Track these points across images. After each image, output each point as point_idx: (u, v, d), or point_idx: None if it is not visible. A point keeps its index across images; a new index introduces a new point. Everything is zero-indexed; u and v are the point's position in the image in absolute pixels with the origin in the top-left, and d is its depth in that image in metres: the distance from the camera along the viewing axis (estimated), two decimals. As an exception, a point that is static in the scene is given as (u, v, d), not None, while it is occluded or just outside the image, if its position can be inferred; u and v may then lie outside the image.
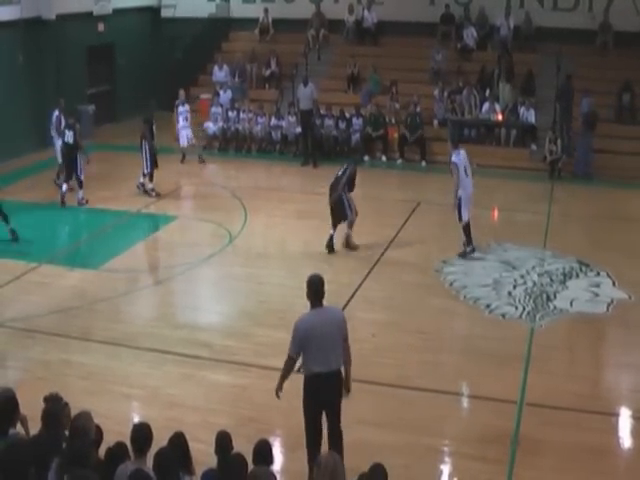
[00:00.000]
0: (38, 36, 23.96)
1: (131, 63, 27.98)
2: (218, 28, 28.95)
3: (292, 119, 23.92)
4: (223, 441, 7.44)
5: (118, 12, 27.40)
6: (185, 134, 22.60)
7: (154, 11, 30.21)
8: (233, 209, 18.68)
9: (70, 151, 18.40)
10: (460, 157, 15.64)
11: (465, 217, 15.66)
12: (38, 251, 15.74)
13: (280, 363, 10.95)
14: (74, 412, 7.09)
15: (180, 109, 22.63)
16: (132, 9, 28.61)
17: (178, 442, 7.20)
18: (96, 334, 12.65)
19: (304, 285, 13.82)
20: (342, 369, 8.76)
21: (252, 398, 10.57)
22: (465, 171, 15.60)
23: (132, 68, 27.91)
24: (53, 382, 10.69)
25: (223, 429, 7.59)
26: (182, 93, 22.94)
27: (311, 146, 23.18)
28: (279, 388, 8.72)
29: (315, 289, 8.57)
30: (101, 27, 27.05)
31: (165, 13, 30.13)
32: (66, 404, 7.26)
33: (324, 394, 8.60)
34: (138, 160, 21.76)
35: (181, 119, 22.64)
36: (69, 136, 18.31)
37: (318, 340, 8.43)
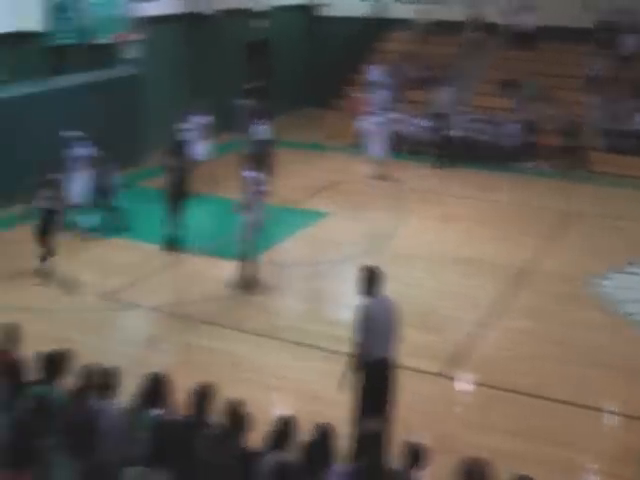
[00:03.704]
0: (199, 30, 24.77)
1: (287, 60, 28.42)
2: (373, 28, 29.06)
3: (442, 121, 23.79)
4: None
5: (275, 9, 27.89)
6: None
7: (310, 9, 30.59)
8: (384, 209, 18.76)
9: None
10: None
11: None
12: (194, 240, 16.29)
13: (418, 364, 11.34)
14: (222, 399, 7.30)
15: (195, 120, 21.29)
16: (289, 7, 29.06)
17: (324, 433, 7.32)
18: (245, 324, 13.01)
19: (450, 288, 13.92)
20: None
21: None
22: None
23: (287, 65, 28.36)
24: (202, 368, 11.13)
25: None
26: (198, 105, 21.33)
27: (450, 149, 23.11)
28: (347, 383, 8.97)
29: (375, 278, 9.00)
30: (259, 23, 27.59)
31: (321, 12, 30.45)
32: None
33: (381, 379, 8.91)
34: (290, 155, 22.14)
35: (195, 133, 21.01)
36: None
37: (379, 327, 8.83)
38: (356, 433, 8.91)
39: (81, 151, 16.86)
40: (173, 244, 16.04)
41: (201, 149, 20.23)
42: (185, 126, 19.61)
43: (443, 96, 23.15)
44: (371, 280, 8.99)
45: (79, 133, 16.85)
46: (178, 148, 16.73)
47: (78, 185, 16.77)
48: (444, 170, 22.75)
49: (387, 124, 21.98)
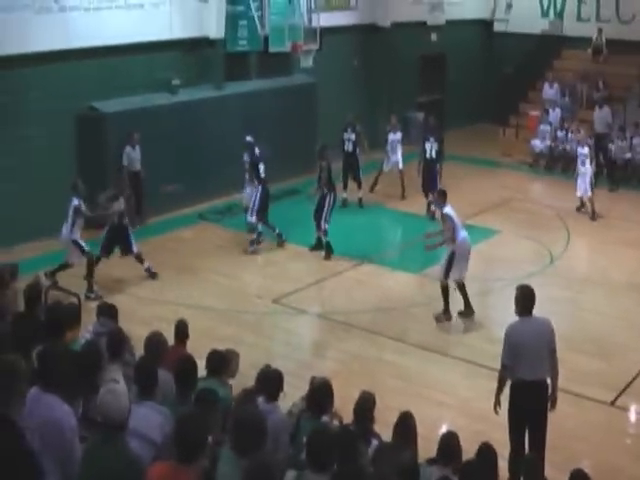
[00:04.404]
0: (373, 42, 24.83)
1: (461, 74, 28.13)
2: (550, 45, 28.36)
3: (622, 143, 23.00)
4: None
5: (451, 23, 27.59)
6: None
7: (486, 24, 30.10)
8: (556, 230, 18.26)
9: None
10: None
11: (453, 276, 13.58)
12: (361, 250, 16.45)
13: (585, 391, 11.12)
14: (388, 411, 7.18)
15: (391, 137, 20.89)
16: (465, 21, 28.65)
17: (486, 454, 7.11)
18: (411, 337, 12.91)
19: (625, 315, 13.37)
20: (548, 380, 8.78)
21: (561, 424, 10.21)
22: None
23: (462, 79, 28.05)
24: (365, 377, 11.10)
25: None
26: (391, 121, 21.11)
27: (622, 171, 22.37)
28: (497, 402, 8.89)
29: (528, 299, 8.70)
30: (434, 37, 27.43)
31: (497, 27, 29.93)
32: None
33: (528, 402, 8.67)
34: (462, 170, 21.82)
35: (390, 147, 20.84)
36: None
37: (526, 348, 8.61)
38: (509, 456, 8.72)
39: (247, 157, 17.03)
40: (318, 248, 16.32)
41: (391, 161, 20.52)
42: (349, 136, 19.71)
43: (608, 116, 22.38)
44: (520, 300, 8.75)
45: (250, 139, 16.96)
46: (328, 153, 16.82)
47: (248, 189, 16.98)
48: (615, 193, 21.95)
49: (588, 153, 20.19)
